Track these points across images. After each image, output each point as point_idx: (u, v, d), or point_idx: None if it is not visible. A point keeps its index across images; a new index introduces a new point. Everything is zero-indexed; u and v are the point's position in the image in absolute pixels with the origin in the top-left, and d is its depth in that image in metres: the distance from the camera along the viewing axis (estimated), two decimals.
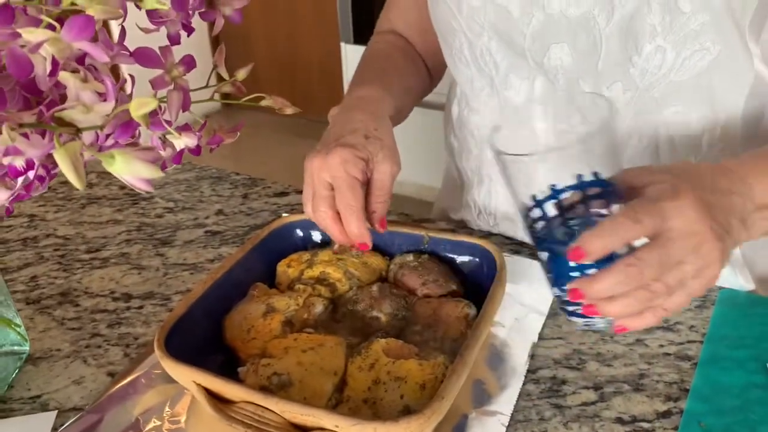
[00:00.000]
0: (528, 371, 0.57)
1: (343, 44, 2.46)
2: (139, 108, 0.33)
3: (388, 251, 0.68)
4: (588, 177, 0.45)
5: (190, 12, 0.53)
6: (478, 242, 0.64)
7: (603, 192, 0.45)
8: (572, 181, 0.45)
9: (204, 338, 0.58)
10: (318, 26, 3.06)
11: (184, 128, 0.54)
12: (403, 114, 0.75)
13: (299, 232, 0.69)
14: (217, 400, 0.50)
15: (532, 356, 0.59)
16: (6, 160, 0.33)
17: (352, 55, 2.43)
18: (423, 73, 0.82)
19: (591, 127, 0.64)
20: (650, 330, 0.60)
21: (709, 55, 0.60)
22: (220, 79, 0.55)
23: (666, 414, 0.52)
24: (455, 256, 0.65)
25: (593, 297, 0.44)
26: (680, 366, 0.57)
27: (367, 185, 0.59)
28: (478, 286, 0.62)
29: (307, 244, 0.69)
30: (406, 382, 0.51)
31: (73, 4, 0.37)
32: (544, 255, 0.48)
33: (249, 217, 0.81)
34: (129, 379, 0.58)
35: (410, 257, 0.65)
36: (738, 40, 0.60)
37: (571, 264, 0.45)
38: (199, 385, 0.50)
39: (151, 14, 0.49)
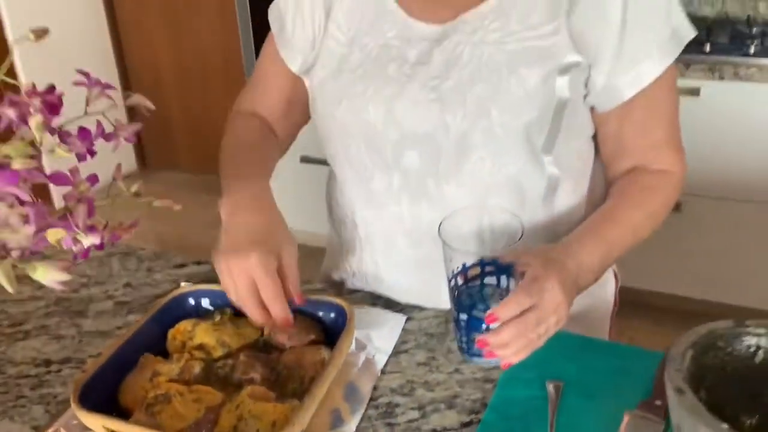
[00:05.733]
0: (371, 399, 0.74)
1: None
2: (53, 236, 0.49)
3: None
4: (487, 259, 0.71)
5: (93, 141, 0.68)
6: (334, 300, 0.81)
7: (497, 267, 0.71)
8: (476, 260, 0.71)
9: (113, 392, 0.72)
10: (228, 87, 3.23)
11: (91, 229, 0.69)
12: None
13: (191, 300, 0.84)
14: None
15: (375, 388, 0.76)
16: None
17: None
18: (278, 150, 0.97)
19: (437, 213, 0.83)
20: (463, 361, 0.79)
21: (515, 166, 0.81)
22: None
23: (468, 424, 0.70)
24: (318, 312, 0.82)
25: (495, 345, 0.67)
26: (484, 387, 0.75)
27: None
28: (336, 333, 0.79)
29: (198, 309, 0.84)
30: (261, 420, 0.66)
31: (6, 156, 0.53)
32: (458, 315, 0.72)
33: (153, 288, 0.96)
34: (50, 431, 0.71)
35: None
36: (536, 155, 0.81)
37: (476, 323, 0.71)
38: (107, 429, 0.64)
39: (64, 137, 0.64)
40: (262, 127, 0.96)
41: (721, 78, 1.91)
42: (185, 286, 0.85)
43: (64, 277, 0.50)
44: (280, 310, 0.73)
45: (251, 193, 0.82)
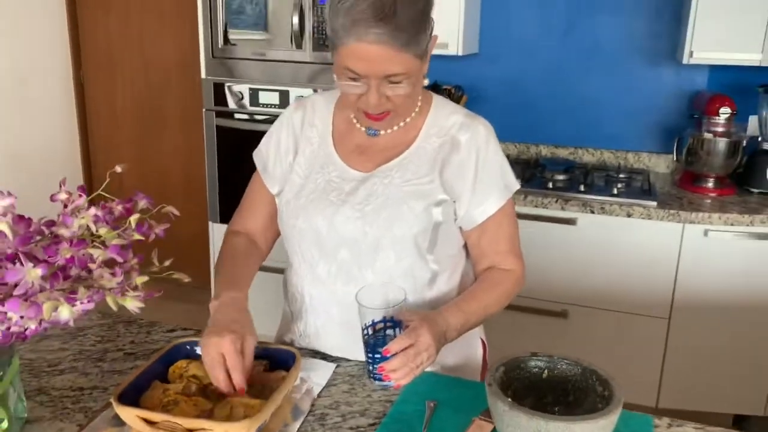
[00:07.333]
0: (309, 412, 1.11)
1: (210, 223, 3.03)
2: (140, 280, 0.88)
3: None
4: (388, 317, 1.11)
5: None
6: (287, 348, 1.19)
7: (393, 323, 1.10)
8: (380, 318, 1.11)
9: (134, 402, 1.06)
10: (186, 202, 3.63)
11: (134, 288, 1.06)
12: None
13: (187, 347, 1.20)
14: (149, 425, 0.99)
15: (312, 405, 1.13)
16: (84, 302, 0.86)
17: (218, 232, 3.00)
18: (260, 258, 1.38)
19: (359, 288, 1.24)
20: (376, 390, 1.17)
21: (409, 260, 1.23)
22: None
23: (373, 424, 1.08)
24: (276, 355, 1.19)
25: (388, 370, 1.06)
26: (386, 405, 1.13)
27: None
28: (288, 369, 1.15)
29: (190, 354, 1.20)
30: (241, 414, 1.02)
31: (105, 234, 0.92)
32: (368, 353, 1.12)
33: (151, 344, 1.31)
34: (88, 427, 1.05)
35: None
36: (422, 255, 1.24)
37: (378, 356, 1.10)
38: (138, 416, 0.99)
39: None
40: (247, 244, 1.36)
41: (592, 212, 2.43)
42: (177, 340, 1.22)
43: (140, 305, 0.88)
44: (239, 378, 1.05)
45: (232, 298, 1.19)
